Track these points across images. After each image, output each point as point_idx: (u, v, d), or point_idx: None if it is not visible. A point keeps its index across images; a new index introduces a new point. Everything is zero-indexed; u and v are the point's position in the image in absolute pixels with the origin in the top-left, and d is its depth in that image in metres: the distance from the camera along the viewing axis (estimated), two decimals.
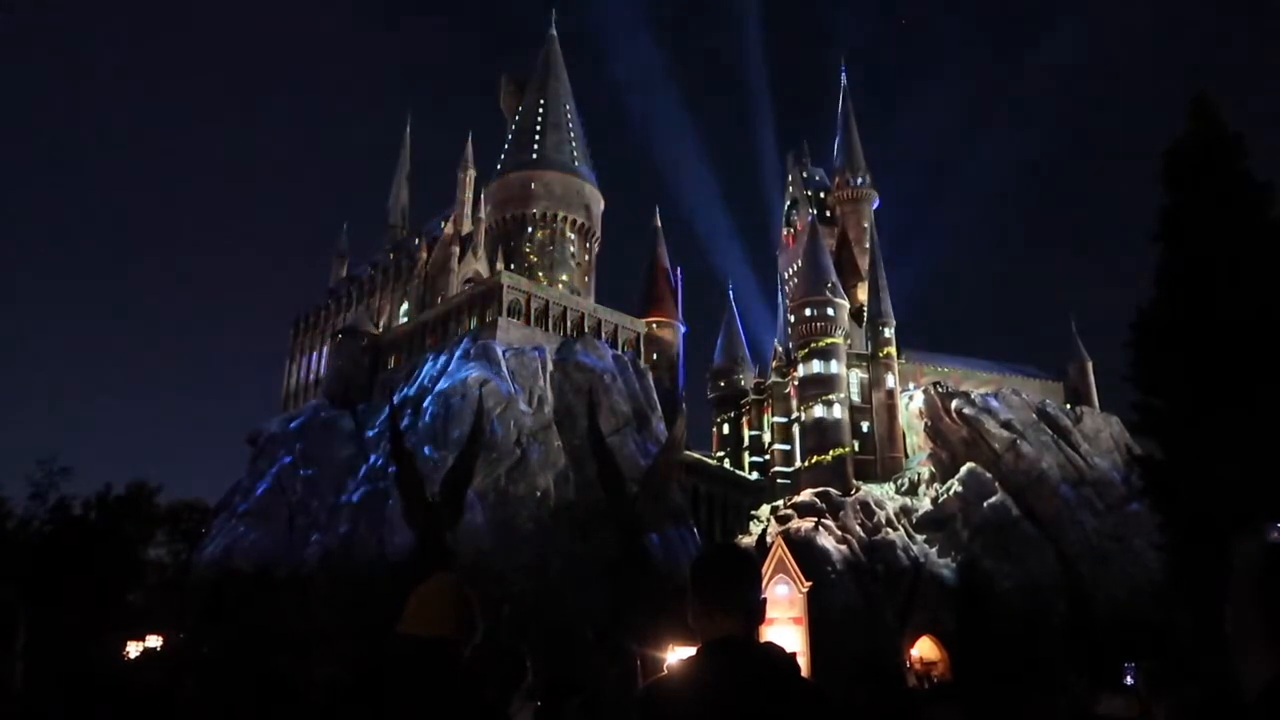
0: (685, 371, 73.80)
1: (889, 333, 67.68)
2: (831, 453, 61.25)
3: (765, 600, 2.25)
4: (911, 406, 65.90)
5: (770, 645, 2.19)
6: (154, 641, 26.55)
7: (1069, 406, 69.48)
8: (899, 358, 67.68)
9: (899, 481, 61.63)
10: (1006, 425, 63.17)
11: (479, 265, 65.54)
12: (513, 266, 62.38)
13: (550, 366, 53.70)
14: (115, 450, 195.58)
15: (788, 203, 77.70)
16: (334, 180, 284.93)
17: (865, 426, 64.14)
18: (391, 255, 73.93)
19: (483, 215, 68.46)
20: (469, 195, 69.92)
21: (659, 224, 79.22)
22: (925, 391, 66.19)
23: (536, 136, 69.89)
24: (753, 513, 62.93)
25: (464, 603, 2.56)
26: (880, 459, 63.33)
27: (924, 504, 59.12)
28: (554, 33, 76.99)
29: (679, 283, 75.67)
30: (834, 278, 66.59)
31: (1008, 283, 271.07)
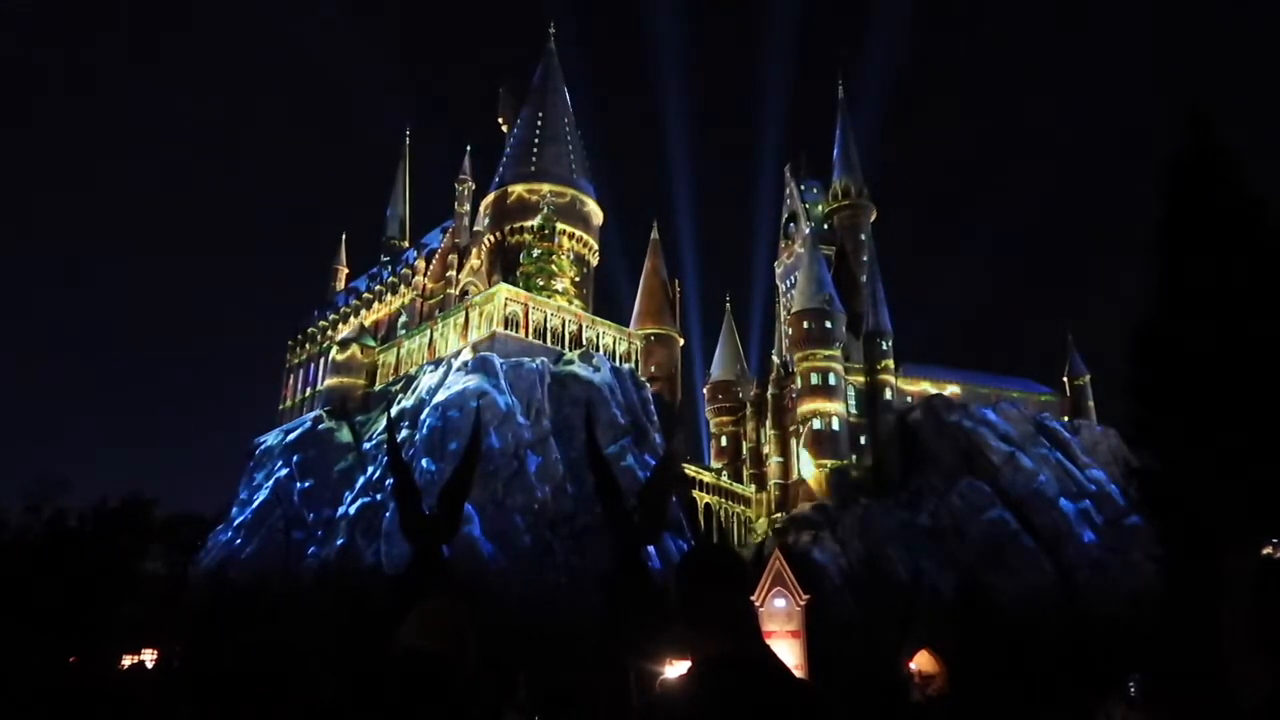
0: (683, 383, 73.91)
1: (887, 345, 67.81)
2: (829, 465, 61.28)
3: (754, 606, 2.18)
4: (909, 419, 65.88)
5: (764, 661, 2.10)
6: (149, 655, 26.43)
7: (1067, 419, 69.51)
8: (897, 370, 67.78)
9: (896, 494, 61.55)
10: (1005, 438, 63.17)
11: (477, 278, 65.66)
12: (511, 279, 62.45)
13: (548, 379, 53.69)
14: (112, 463, 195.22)
15: (786, 215, 77.83)
16: (333, 193, 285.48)
17: (863, 439, 64.14)
18: (390, 267, 74.05)
19: (481, 228, 68.64)
20: (467, 208, 70.09)
21: (657, 236, 79.57)
22: (923, 404, 66.20)
23: (535, 149, 70.09)
24: (751, 525, 62.86)
25: (459, 625, 2.57)
26: (878, 471, 63.27)
27: (922, 517, 59.04)
28: (553, 47, 77.48)
29: (677, 295, 75.90)
30: (832, 290, 66.71)
31: (1006, 295, 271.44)
